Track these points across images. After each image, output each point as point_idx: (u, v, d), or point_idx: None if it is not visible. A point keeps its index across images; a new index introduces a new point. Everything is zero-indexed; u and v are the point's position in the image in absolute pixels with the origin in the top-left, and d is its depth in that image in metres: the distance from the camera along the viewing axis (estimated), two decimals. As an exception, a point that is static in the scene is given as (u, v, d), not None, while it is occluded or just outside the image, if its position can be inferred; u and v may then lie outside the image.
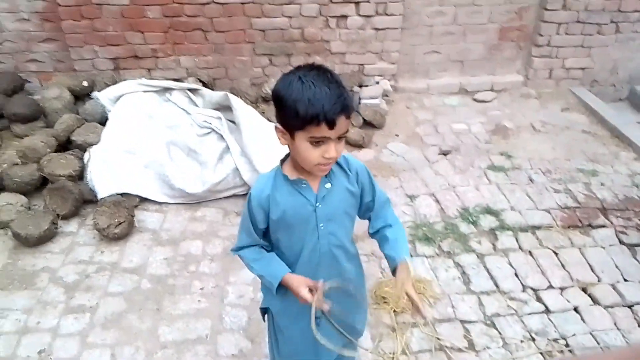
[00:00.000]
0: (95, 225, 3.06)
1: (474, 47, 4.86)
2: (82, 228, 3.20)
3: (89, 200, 3.34)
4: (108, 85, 4.04)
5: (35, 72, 4.42)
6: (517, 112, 4.67)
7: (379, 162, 3.92)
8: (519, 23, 4.79)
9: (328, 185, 1.54)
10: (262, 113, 4.05)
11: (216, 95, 3.84)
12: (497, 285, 2.83)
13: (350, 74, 4.59)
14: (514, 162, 3.90)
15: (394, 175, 3.75)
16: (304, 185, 1.52)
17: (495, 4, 4.65)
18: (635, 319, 2.66)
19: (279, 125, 1.44)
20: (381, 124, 4.33)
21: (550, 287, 2.83)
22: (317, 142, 1.38)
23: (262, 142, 3.45)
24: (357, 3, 4.36)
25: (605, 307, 2.71)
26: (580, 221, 3.30)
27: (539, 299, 2.76)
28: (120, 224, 3.06)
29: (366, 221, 1.73)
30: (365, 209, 1.68)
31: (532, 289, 2.82)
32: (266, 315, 1.84)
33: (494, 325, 2.60)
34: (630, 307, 2.72)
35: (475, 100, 4.85)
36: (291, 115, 1.36)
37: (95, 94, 3.95)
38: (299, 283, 1.52)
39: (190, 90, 3.94)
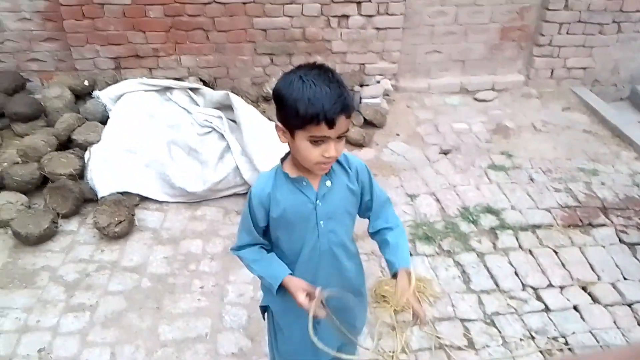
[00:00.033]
0: (96, 224, 3.06)
1: (475, 47, 4.86)
2: (82, 227, 3.21)
3: (89, 199, 3.35)
4: (109, 85, 4.05)
5: (36, 71, 4.43)
6: (518, 111, 4.66)
7: (379, 161, 3.93)
8: (521, 23, 4.79)
9: (328, 183, 1.54)
10: (263, 112, 4.06)
11: (217, 95, 3.85)
12: (497, 284, 2.83)
13: (351, 74, 4.59)
14: (515, 162, 3.90)
15: (395, 175, 3.75)
16: (304, 183, 1.52)
17: (497, 3, 4.64)
18: (635, 317, 2.65)
19: (279, 124, 1.44)
20: (382, 123, 4.33)
21: (550, 285, 2.83)
22: (316, 141, 1.38)
23: (262, 142, 3.46)
24: (358, 3, 4.36)
25: (605, 306, 2.71)
26: (580, 220, 3.29)
27: (539, 298, 2.76)
28: (120, 222, 3.06)
29: (366, 220, 1.73)
30: (365, 208, 1.68)
31: (532, 287, 2.82)
32: (266, 314, 1.83)
33: (493, 324, 2.60)
34: (630, 305, 2.72)
35: (476, 99, 4.85)
36: (291, 114, 1.36)
37: (96, 93, 3.95)
38: (297, 288, 1.52)
39: (191, 89, 3.94)
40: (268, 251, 1.66)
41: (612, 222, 3.29)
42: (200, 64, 4.48)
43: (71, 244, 3.07)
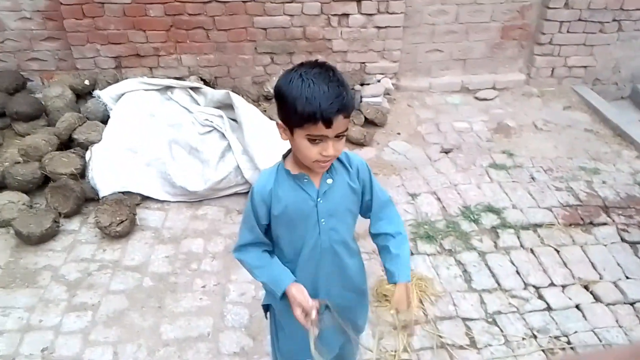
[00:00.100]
0: (97, 224, 3.07)
1: (476, 46, 4.86)
2: (84, 226, 3.21)
3: (90, 198, 3.35)
4: (110, 84, 4.04)
5: (37, 70, 4.43)
6: (519, 110, 4.66)
7: (380, 160, 3.93)
8: (521, 21, 4.79)
9: (330, 181, 1.54)
10: (264, 111, 4.06)
11: (218, 94, 3.84)
12: (498, 283, 2.83)
13: (352, 73, 4.59)
14: (516, 161, 3.90)
15: (396, 174, 3.75)
16: (305, 180, 1.52)
17: (498, 2, 4.64)
18: (637, 316, 2.65)
19: (279, 122, 1.44)
20: (383, 122, 4.33)
21: (552, 284, 2.83)
22: (314, 139, 1.38)
23: (263, 141, 3.45)
24: (359, 1, 4.36)
25: (607, 305, 2.71)
26: (582, 219, 3.29)
27: (540, 297, 2.76)
28: (122, 222, 3.06)
29: (367, 219, 1.73)
30: (365, 208, 1.68)
31: (533, 286, 2.82)
32: (268, 313, 1.84)
33: (495, 323, 2.60)
34: (632, 304, 2.72)
35: (477, 98, 4.85)
36: (290, 112, 1.37)
37: (97, 92, 3.95)
38: (294, 302, 1.54)
39: (192, 88, 3.94)
40: (270, 252, 1.65)
41: (613, 220, 3.29)
42: (201, 63, 4.48)
43: (73, 243, 3.07)
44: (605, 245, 3.11)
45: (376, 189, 1.65)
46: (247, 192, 3.26)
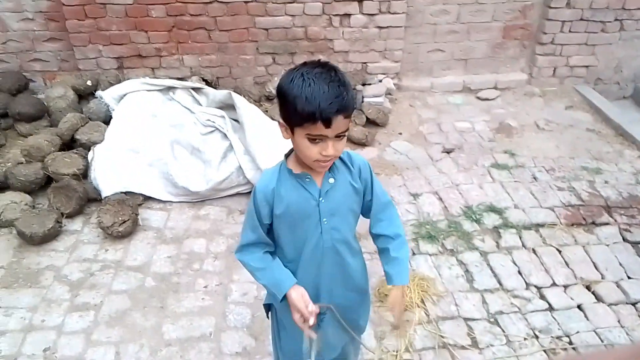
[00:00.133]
0: (100, 224, 3.07)
1: (478, 46, 4.85)
2: (86, 226, 3.21)
3: (93, 198, 3.35)
4: (112, 85, 4.06)
5: (39, 71, 4.44)
6: (521, 110, 4.66)
7: (382, 160, 3.93)
8: (523, 21, 4.78)
9: (332, 180, 1.54)
10: (266, 112, 4.06)
11: (220, 94, 3.85)
12: (500, 283, 2.83)
13: (353, 73, 4.59)
14: (518, 161, 3.89)
15: (398, 174, 3.75)
16: (307, 180, 1.52)
17: (499, 2, 4.64)
18: (639, 316, 2.65)
19: (281, 120, 1.45)
20: (384, 122, 4.33)
21: (554, 284, 2.83)
22: (314, 139, 1.39)
23: (265, 141, 3.46)
24: (360, 1, 4.35)
25: (609, 305, 2.70)
26: (584, 219, 3.29)
27: (542, 297, 2.76)
28: (124, 222, 3.07)
29: (368, 219, 1.73)
30: (366, 208, 1.68)
31: (535, 286, 2.82)
32: (270, 312, 1.84)
33: (497, 323, 2.60)
34: (634, 304, 2.72)
35: (479, 98, 4.85)
36: (290, 111, 1.37)
37: (99, 93, 3.96)
38: (293, 308, 1.55)
39: (194, 89, 3.95)
40: (272, 253, 1.65)
41: (615, 220, 3.28)
42: (203, 63, 4.48)
43: (75, 243, 3.08)
44: (607, 245, 3.10)
45: (377, 189, 1.65)
46: (249, 192, 3.28)
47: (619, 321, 2.62)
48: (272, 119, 3.89)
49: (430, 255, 3.02)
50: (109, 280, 2.82)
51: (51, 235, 3.05)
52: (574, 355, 2.46)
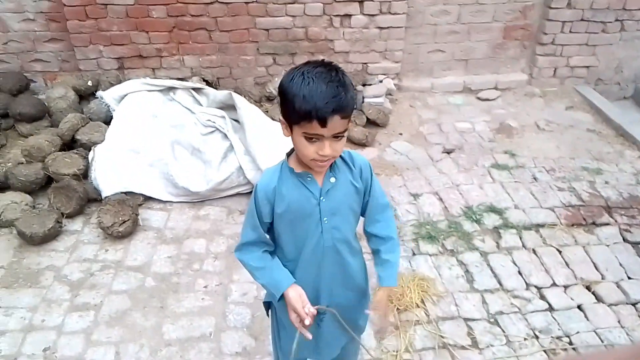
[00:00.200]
0: (100, 224, 3.07)
1: (478, 46, 4.85)
2: (86, 226, 3.22)
3: (93, 198, 3.36)
4: (113, 85, 4.06)
5: (40, 71, 4.45)
6: (521, 110, 4.66)
7: (382, 160, 3.93)
8: (524, 22, 4.78)
9: (333, 179, 1.54)
10: (266, 112, 4.06)
11: (220, 95, 3.85)
12: (500, 284, 2.83)
13: (354, 73, 4.59)
14: (518, 161, 3.89)
15: (398, 174, 3.75)
16: (309, 179, 1.52)
17: (500, 2, 4.64)
18: (639, 317, 2.65)
19: (281, 117, 1.45)
20: (385, 122, 4.33)
21: (554, 285, 2.83)
22: (311, 138, 1.39)
23: (265, 141, 3.46)
24: (361, 2, 4.36)
25: (609, 305, 2.70)
26: (584, 219, 3.29)
27: (542, 297, 2.75)
28: (124, 222, 3.07)
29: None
30: (363, 208, 1.68)
31: (535, 287, 2.82)
32: (270, 310, 1.84)
33: (497, 323, 2.60)
34: (634, 305, 2.71)
35: (479, 99, 4.85)
36: (289, 109, 1.38)
37: (99, 93, 3.96)
38: (290, 307, 1.56)
39: (195, 89, 3.95)
40: (272, 253, 1.66)
41: (616, 221, 3.28)
42: (203, 64, 4.49)
43: (75, 243, 3.08)
44: (607, 246, 3.10)
45: (376, 190, 1.65)
46: (249, 193, 3.28)
47: (619, 321, 2.62)
48: (273, 119, 3.90)
49: (430, 255, 3.02)
50: (109, 281, 2.82)
51: (51, 235, 3.05)
52: (574, 356, 2.46)
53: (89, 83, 4.14)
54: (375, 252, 1.71)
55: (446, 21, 4.67)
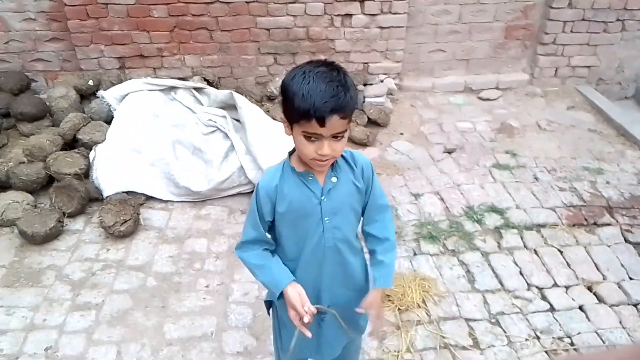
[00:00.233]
0: (101, 223, 3.08)
1: (480, 46, 4.85)
2: (88, 226, 3.22)
3: (94, 198, 3.36)
4: (114, 84, 4.07)
5: (41, 71, 4.45)
6: (522, 110, 4.66)
7: (383, 160, 3.93)
8: (525, 21, 4.78)
9: (334, 179, 1.54)
10: (267, 112, 4.06)
11: (221, 94, 3.86)
12: (501, 284, 2.83)
13: (354, 73, 4.59)
14: (519, 161, 3.89)
15: (399, 174, 3.75)
16: (310, 178, 1.52)
17: (501, 2, 4.63)
18: (640, 317, 2.65)
19: (283, 116, 1.46)
20: (386, 122, 4.33)
21: (555, 285, 2.83)
22: (310, 137, 1.39)
23: (266, 141, 3.46)
24: (362, 1, 4.36)
25: (611, 306, 2.70)
26: (585, 219, 3.29)
27: (544, 298, 2.75)
28: (125, 222, 3.07)
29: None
30: (364, 206, 1.68)
31: (537, 287, 2.81)
32: (271, 309, 1.84)
33: (498, 324, 2.60)
34: (635, 305, 2.71)
35: (480, 98, 4.85)
36: (290, 107, 1.39)
37: (101, 92, 3.96)
38: (289, 304, 1.56)
39: (196, 89, 3.96)
40: (272, 252, 1.66)
41: (617, 221, 3.28)
42: (204, 63, 4.49)
43: (77, 243, 3.08)
44: (608, 246, 3.10)
45: (376, 190, 1.65)
46: (251, 192, 3.27)
47: (620, 322, 2.62)
48: (274, 119, 3.90)
49: (431, 255, 3.02)
50: (111, 280, 2.83)
51: (53, 235, 3.05)
52: (576, 356, 2.46)
53: (90, 82, 4.14)
54: (371, 253, 1.71)
55: (447, 21, 4.66)
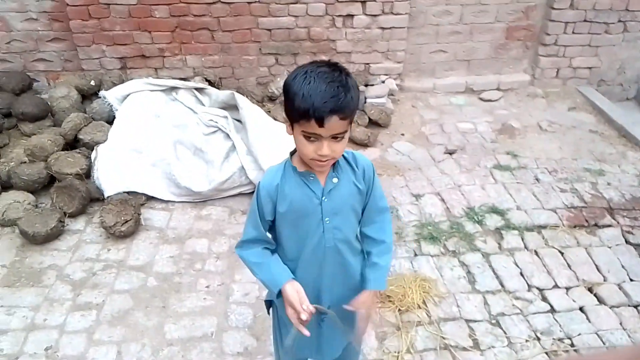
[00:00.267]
0: (102, 223, 3.08)
1: (481, 47, 4.85)
2: (89, 226, 3.22)
3: (95, 198, 3.36)
4: (115, 85, 4.07)
5: (43, 71, 4.45)
6: (523, 111, 4.66)
7: (384, 161, 3.93)
8: (526, 22, 4.78)
9: (335, 180, 1.54)
10: (268, 112, 4.07)
11: (222, 95, 3.86)
12: (502, 285, 2.83)
13: (356, 73, 4.59)
14: (520, 162, 3.89)
15: (400, 174, 3.75)
16: (311, 178, 1.52)
17: (502, 3, 4.63)
18: (641, 318, 2.65)
19: (284, 115, 1.46)
20: (387, 123, 4.33)
21: (556, 286, 2.83)
22: (309, 137, 1.40)
23: (267, 141, 3.47)
24: (363, 2, 4.36)
25: (611, 307, 2.70)
26: (586, 221, 3.28)
27: (544, 299, 2.75)
28: (126, 222, 3.08)
29: None
30: (364, 208, 1.68)
31: (537, 288, 2.81)
32: (271, 309, 1.84)
33: (499, 325, 2.60)
34: (636, 307, 2.71)
35: (481, 99, 4.84)
36: (290, 107, 1.39)
37: (102, 93, 3.97)
38: (287, 302, 1.56)
39: (197, 89, 3.96)
40: (272, 251, 1.66)
41: (618, 222, 3.28)
42: (206, 64, 4.49)
43: (78, 243, 3.09)
44: (609, 247, 3.10)
45: (376, 192, 1.65)
46: (252, 193, 3.28)
47: (620, 323, 2.62)
48: (275, 119, 3.90)
49: (432, 256, 3.02)
50: (111, 280, 2.83)
51: (54, 235, 3.06)
52: (576, 357, 2.46)
53: (92, 83, 4.15)
54: (367, 254, 1.72)
55: (448, 21, 4.67)
